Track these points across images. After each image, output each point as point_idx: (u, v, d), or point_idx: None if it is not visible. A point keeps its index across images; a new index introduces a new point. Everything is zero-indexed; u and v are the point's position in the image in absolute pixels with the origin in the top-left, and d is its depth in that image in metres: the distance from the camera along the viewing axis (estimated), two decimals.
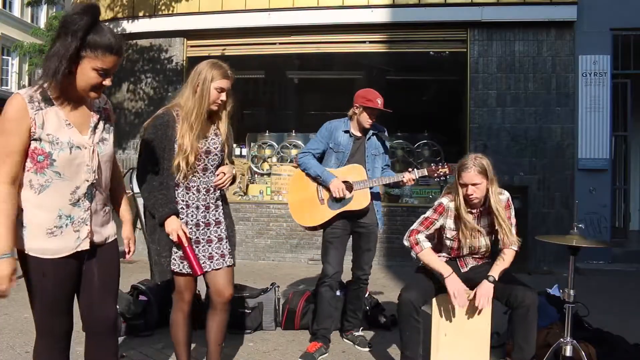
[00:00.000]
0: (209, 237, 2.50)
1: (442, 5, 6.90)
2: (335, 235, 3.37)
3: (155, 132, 2.40)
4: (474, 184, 2.66)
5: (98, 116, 1.91)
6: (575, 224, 2.58)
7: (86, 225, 1.87)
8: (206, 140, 2.46)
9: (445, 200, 2.82)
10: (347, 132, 3.44)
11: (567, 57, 6.80)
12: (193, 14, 7.37)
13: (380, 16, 7.04)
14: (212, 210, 2.52)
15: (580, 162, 6.75)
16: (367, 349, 3.45)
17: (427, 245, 2.80)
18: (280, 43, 7.46)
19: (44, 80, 1.73)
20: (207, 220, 2.50)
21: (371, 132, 3.46)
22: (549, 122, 6.80)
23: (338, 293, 3.60)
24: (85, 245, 1.87)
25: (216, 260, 2.50)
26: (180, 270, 2.44)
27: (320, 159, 3.50)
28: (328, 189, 3.32)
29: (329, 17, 7.12)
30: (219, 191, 2.54)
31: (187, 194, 2.46)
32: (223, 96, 2.43)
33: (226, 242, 2.54)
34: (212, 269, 2.49)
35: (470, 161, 2.69)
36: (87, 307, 1.97)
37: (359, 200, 3.31)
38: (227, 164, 2.55)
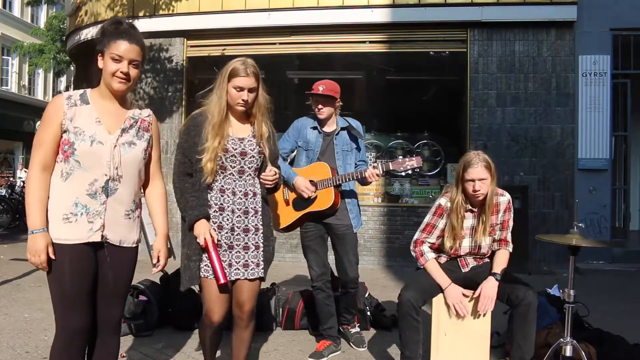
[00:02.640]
0: (246, 243, 2.37)
1: (442, 5, 6.90)
2: (309, 238, 3.29)
3: (188, 133, 2.35)
4: (481, 179, 2.65)
5: (132, 122, 2.05)
6: (575, 224, 2.58)
7: (100, 218, 1.94)
8: (242, 142, 2.36)
9: (443, 201, 2.81)
10: (315, 128, 3.33)
11: (567, 57, 6.80)
12: (193, 14, 7.38)
13: (380, 16, 7.04)
14: (252, 216, 2.39)
15: (580, 162, 6.75)
16: (364, 349, 3.44)
17: (431, 256, 2.82)
18: (280, 43, 7.47)
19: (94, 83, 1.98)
20: (246, 225, 2.37)
21: (339, 127, 3.33)
22: (549, 122, 6.80)
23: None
24: (97, 238, 1.94)
25: (251, 269, 2.38)
26: (209, 276, 2.30)
27: (293, 158, 3.42)
28: (293, 189, 3.22)
29: (329, 17, 7.12)
30: (259, 196, 2.42)
31: (222, 196, 2.35)
32: (244, 95, 2.31)
33: (262, 251, 2.41)
34: (244, 278, 2.37)
35: (475, 157, 2.69)
36: (99, 304, 2.04)
37: (322, 200, 3.17)
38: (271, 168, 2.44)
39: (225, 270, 2.30)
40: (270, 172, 2.38)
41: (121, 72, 1.93)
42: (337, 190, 3.21)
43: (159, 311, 3.75)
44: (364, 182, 3.23)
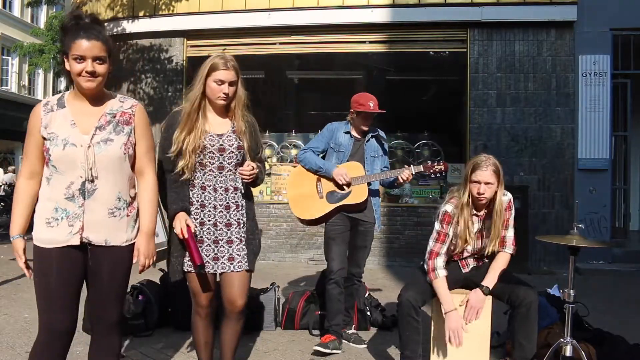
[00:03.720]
0: (229, 237, 2.41)
1: (442, 5, 6.90)
2: (336, 232, 3.42)
3: (167, 131, 2.39)
4: (487, 183, 2.65)
5: (109, 118, 1.99)
6: (575, 224, 2.58)
7: (79, 221, 1.92)
8: (221, 138, 2.37)
9: (449, 208, 2.76)
10: (347, 133, 3.52)
11: (567, 57, 6.80)
12: (193, 14, 7.38)
13: (380, 16, 7.04)
14: (234, 211, 2.41)
15: (580, 162, 6.75)
16: (364, 346, 3.46)
17: (442, 273, 2.73)
18: (280, 43, 7.47)
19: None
20: (229, 220, 2.40)
21: (370, 134, 3.54)
22: (549, 122, 6.80)
23: None
24: (76, 241, 1.92)
25: (237, 262, 2.41)
26: (192, 270, 2.37)
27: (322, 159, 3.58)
28: (329, 182, 3.39)
29: (329, 17, 7.12)
30: (240, 191, 2.44)
31: (203, 193, 2.38)
32: (225, 88, 2.32)
33: (245, 244, 2.45)
34: (231, 271, 2.40)
35: (485, 161, 2.68)
36: (92, 306, 2.07)
37: (357, 194, 3.36)
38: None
39: (209, 263, 2.38)
40: (247, 167, 2.37)
41: (86, 71, 1.88)
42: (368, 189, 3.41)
43: (159, 311, 3.75)
44: (393, 184, 3.48)
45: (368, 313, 3.88)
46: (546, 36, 6.83)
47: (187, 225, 2.31)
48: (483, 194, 2.65)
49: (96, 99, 1.99)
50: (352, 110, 3.47)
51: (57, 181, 1.92)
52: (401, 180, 3.37)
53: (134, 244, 2.06)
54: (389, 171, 3.50)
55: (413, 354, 2.71)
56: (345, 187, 3.38)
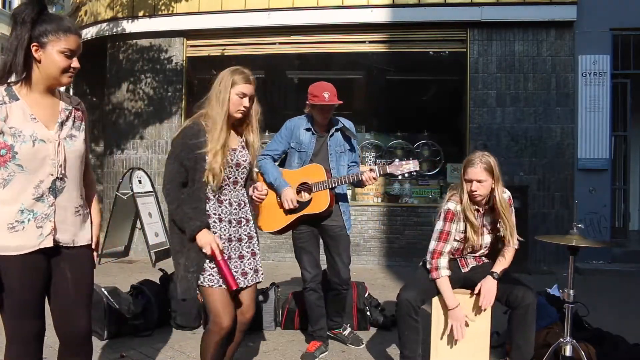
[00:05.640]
0: (240, 252, 2.41)
1: (442, 5, 6.90)
2: (303, 240, 3.27)
3: (184, 143, 2.29)
4: (478, 181, 2.65)
5: (67, 113, 1.89)
6: (575, 224, 2.58)
7: (50, 221, 1.80)
8: (235, 153, 2.37)
9: (452, 205, 2.76)
10: (308, 129, 3.30)
11: (567, 57, 6.80)
12: (193, 14, 7.37)
13: (380, 16, 7.03)
14: (244, 225, 2.43)
15: (580, 162, 6.75)
16: (362, 346, 3.45)
17: (445, 273, 2.74)
18: (279, 43, 7.46)
19: (3, 76, 1.75)
20: (239, 235, 2.41)
21: (334, 128, 3.31)
22: (549, 122, 6.80)
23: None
24: (49, 243, 1.80)
25: (250, 276, 2.42)
26: (219, 285, 2.28)
27: (285, 159, 3.39)
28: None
29: (329, 17, 7.11)
30: (248, 205, 2.46)
31: (220, 207, 2.36)
32: (246, 102, 2.33)
33: (259, 257, 2.48)
34: (247, 286, 2.41)
35: (477, 158, 2.69)
36: (60, 316, 1.90)
37: (318, 202, 3.16)
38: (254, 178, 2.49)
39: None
40: (263, 191, 2.43)
41: (73, 67, 1.81)
42: (332, 193, 3.21)
43: (159, 311, 3.75)
44: (359, 184, 3.22)
45: (368, 313, 3.88)
46: (546, 36, 6.83)
47: (217, 245, 2.25)
48: (476, 190, 2.66)
49: (52, 93, 1.87)
50: (307, 102, 3.25)
51: (22, 181, 1.75)
52: (365, 184, 3.15)
53: (91, 245, 1.99)
54: (353, 174, 3.19)
55: (412, 354, 2.71)
56: (305, 194, 3.17)
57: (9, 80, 1.77)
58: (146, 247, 6.33)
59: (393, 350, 3.39)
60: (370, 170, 3.12)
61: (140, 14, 7.51)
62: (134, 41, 7.64)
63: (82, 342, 1.93)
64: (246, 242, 2.43)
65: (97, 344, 3.30)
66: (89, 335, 1.95)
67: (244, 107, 2.33)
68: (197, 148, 2.27)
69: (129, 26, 7.56)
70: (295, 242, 3.32)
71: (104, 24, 7.73)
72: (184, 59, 7.58)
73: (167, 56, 7.56)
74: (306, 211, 3.18)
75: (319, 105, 3.19)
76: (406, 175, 3.15)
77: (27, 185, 1.76)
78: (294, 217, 3.20)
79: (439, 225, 2.78)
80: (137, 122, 7.60)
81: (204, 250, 2.25)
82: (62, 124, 1.85)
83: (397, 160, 3.20)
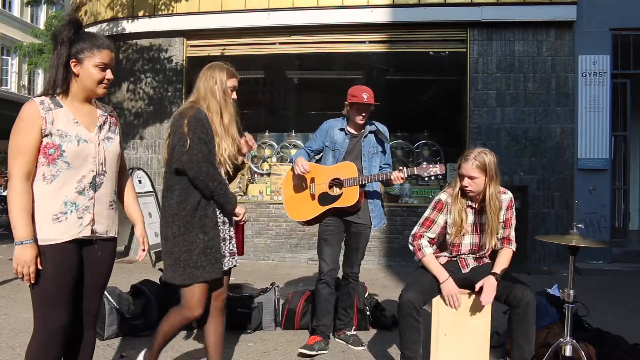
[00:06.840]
0: (224, 235, 2.53)
1: (442, 5, 6.90)
2: (328, 233, 3.42)
3: (204, 125, 2.39)
4: (470, 177, 2.68)
5: (104, 119, 2.11)
6: (575, 224, 2.58)
7: (89, 213, 2.01)
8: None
9: (444, 196, 2.85)
10: (342, 129, 3.48)
11: (567, 57, 6.80)
12: (193, 13, 7.37)
13: (380, 16, 7.04)
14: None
15: (580, 162, 6.75)
16: (363, 348, 3.46)
17: (429, 250, 2.83)
18: (279, 43, 7.46)
19: (49, 89, 1.98)
20: (223, 219, 2.54)
21: (368, 130, 3.48)
22: (549, 122, 6.80)
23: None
24: (87, 232, 2.00)
25: (231, 258, 2.56)
26: (225, 267, 2.49)
27: (320, 158, 3.57)
28: (322, 183, 3.38)
29: (329, 17, 7.12)
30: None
31: None
32: (234, 95, 2.54)
33: (234, 241, 2.60)
34: (234, 266, 2.58)
35: (472, 155, 2.71)
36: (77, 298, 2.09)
37: (348, 197, 3.31)
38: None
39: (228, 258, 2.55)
40: (251, 140, 2.66)
41: (107, 79, 2.02)
42: (362, 190, 3.35)
43: (159, 311, 3.75)
44: (388, 183, 3.38)
45: (368, 313, 3.88)
46: (546, 36, 6.83)
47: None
48: (467, 186, 2.71)
49: (89, 102, 2.10)
50: (346, 102, 3.43)
51: (67, 176, 1.96)
52: (393, 183, 3.30)
53: (116, 238, 2.20)
54: (382, 172, 3.39)
55: (413, 354, 2.71)
56: (336, 188, 3.34)
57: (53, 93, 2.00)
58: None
59: (393, 351, 3.39)
60: (399, 170, 3.27)
61: (140, 13, 7.51)
62: (134, 41, 7.64)
63: (92, 323, 2.16)
64: (227, 226, 2.56)
65: (97, 344, 3.30)
66: (97, 316, 2.18)
67: (233, 99, 2.54)
68: (211, 133, 2.44)
69: (129, 26, 7.57)
70: (320, 234, 3.46)
71: (104, 24, 7.73)
72: (184, 58, 7.58)
73: (167, 56, 7.56)
74: (337, 204, 3.34)
75: (357, 105, 3.35)
76: (432, 178, 3.29)
77: (71, 180, 1.97)
78: (323, 208, 3.37)
79: (426, 212, 2.89)
80: (137, 122, 7.61)
81: (239, 218, 2.54)
82: (100, 128, 2.08)
83: (424, 163, 3.38)
